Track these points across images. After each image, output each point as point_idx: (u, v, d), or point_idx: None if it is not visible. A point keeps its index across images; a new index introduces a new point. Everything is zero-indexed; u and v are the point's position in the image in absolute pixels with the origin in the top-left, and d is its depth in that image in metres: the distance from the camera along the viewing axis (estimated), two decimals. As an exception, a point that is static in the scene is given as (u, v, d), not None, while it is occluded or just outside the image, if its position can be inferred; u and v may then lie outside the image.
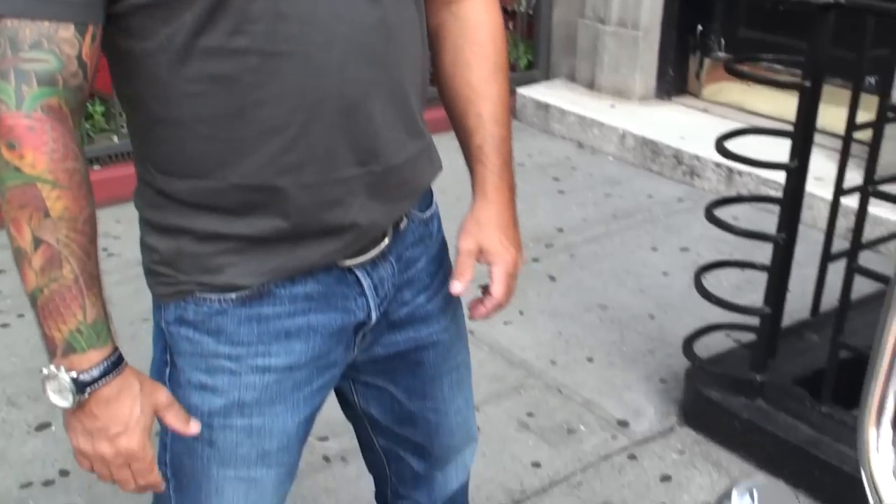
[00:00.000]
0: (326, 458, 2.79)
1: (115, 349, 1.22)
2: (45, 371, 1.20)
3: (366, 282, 1.37)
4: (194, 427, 1.31)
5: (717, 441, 2.83)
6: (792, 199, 2.56)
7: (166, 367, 1.36)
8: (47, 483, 2.66)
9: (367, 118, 1.25)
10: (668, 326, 3.38)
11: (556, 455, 2.79)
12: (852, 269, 2.51)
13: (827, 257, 2.86)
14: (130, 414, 1.22)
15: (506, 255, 1.49)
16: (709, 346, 3.02)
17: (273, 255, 1.28)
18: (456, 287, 1.44)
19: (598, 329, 3.41)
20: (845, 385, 2.67)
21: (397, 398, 1.57)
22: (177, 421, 1.29)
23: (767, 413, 2.75)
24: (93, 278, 1.19)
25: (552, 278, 3.74)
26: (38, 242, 1.13)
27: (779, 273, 2.61)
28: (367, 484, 2.65)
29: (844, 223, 4.01)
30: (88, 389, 1.18)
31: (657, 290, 3.63)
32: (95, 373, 1.18)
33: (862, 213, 2.50)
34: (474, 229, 1.48)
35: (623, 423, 2.93)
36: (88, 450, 1.24)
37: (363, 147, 1.27)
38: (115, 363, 1.21)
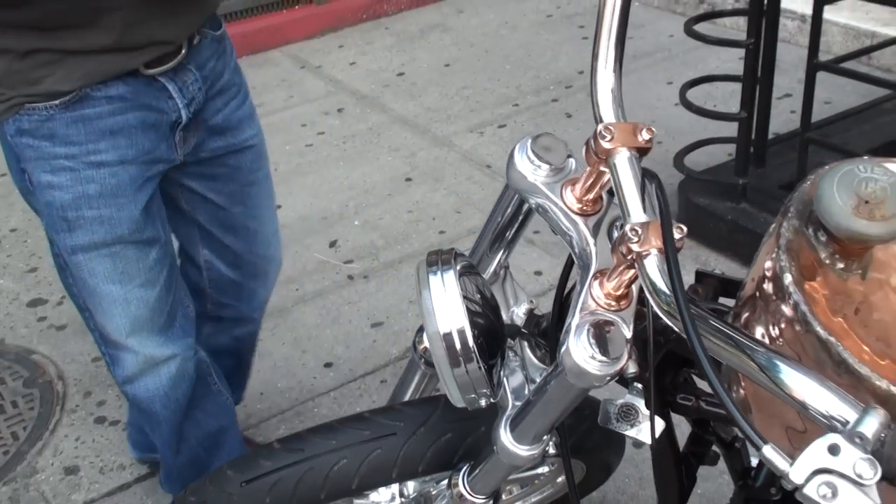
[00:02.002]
0: (350, 277, 3.11)
1: None
2: None
3: (170, 86, 1.62)
4: None
5: (707, 244, 3.06)
6: (759, 7, 2.71)
7: (24, 175, 1.63)
8: None
9: None
10: (675, 150, 3.56)
11: (556, 264, 3.05)
12: (814, 66, 2.67)
13: (811, 67, 3.00)
14: None
15: None
16: (707, 163, 3.22)
17: (85, 64, 1.51)
18: None
19: (608, 157, 3.61)
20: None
21: (221, 205, 1.86)
22: None
23: (750, 214, 2.96)
24: None
25: (568, 115, 3.95)
26: None
27: (751, 78, 2.78)
28: (384, 296, 2.98)
29: (843, 41, 4.12)
30: None
31: (668, 119, 3.80)
32: None
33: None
34: None
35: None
36: None
37: None
38: None
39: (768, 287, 0.94)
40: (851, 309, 0.93)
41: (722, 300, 1.16)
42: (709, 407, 1.21)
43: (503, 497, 1.98)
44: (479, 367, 1.11)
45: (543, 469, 1.97)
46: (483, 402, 1.16)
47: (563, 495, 1.92)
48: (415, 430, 1.50)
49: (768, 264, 0.94)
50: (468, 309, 1.12)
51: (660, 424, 1.20)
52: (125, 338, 1.78)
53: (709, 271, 1.16)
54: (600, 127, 0.99)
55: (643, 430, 1.19)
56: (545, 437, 1.21)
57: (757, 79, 2.81)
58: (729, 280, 1.14)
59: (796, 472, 0.74)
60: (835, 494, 0.73)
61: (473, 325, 1.13)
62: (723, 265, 2.97)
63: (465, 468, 1.38)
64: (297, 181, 3.69)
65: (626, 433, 1.20)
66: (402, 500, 1.83)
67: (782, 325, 0.92)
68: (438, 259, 1.14)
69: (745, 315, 1.00)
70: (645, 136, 1.00)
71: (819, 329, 0.86)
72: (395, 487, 1.81)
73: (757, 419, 1.04)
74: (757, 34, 2.71)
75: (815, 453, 0.74)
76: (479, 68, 4.45)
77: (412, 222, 3.35)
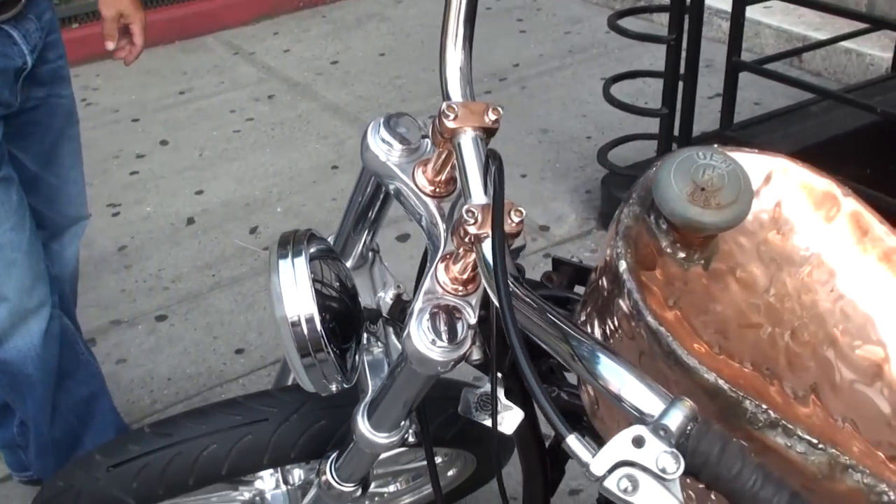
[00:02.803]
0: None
1: None
2: None
3: (15, 33, 1.67)
4: None
5: (627, 240, 3.04)
6: (681, 3, 2.70)
7: None
8: None
9: None
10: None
11: (476, 256, 3.03)
12: (734, 66, 2.67)
13: (731, 66, 3.00)
14: None
15: (140, 13, 1.94)
16: (635, 159, 3.21)
17: None
18: (109, 45, 1.93)
19: (536, 150, 3.61)
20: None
21: (26, 165, 1.86)
22: None
23: (670, 210, 2.95)
24: None
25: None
26: None
27: (672, 75, 2.78)
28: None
29: (775, 43, 4.14)
30: None
31: (599, 115, 3.79)
32: None
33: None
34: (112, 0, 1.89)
35: (544, 228, 3.15)
36: None
37: None
38: None
39: (607, 276, 0.92)
40: (690, 300, 0.92)
41: (579, 289, 1.14)
42: (570, 398, 1.19)
43: (394, 488, 1.95)
44: (328, 354, 1.08)
45: (437, 459, 1.95)
46: (335, 388, 1.13)
47: (461, 484, 1.90)
48: (287, 416, 1.46)
49: (608, 252, 0.92)
50: (320, 293, 1.09)
51: (518, 415, 1.17)
52: None
53: (565, 259, 1.13)
54: (444, 105, 0.96)
55: (503, 419, 1.17)
56: (403, 424, 1.18)
57: (679, 75, 2.81)
58: (584, 268, 1.12)
59: (598, 463, 0.72)
60: (636, 488, 0.71)
61: (326, 309, 1.10)
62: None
63: (332, 455, 1.35)
64: (222, 167, 3.64)
65: (485, 423, 1.17)
66: (288, 487, 1.80)
67: (619, 316, 0.90)
68: (290, 242, 1.11)
69: (589, 306, 0.98)
70: (491, 116, 0.98)
71: (649, 319, 0.85)
72: (279, 474, 1.78)
73: (605, 416, 1.02)
74: (679, 30, 2.71)
75: (619, 445, 0.72)
76: (415, 58, 4.41)
77: (335, 210, 3.31)
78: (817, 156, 2.99)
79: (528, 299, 0.84)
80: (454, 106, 0.96)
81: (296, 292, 1.07)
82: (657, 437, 0.72)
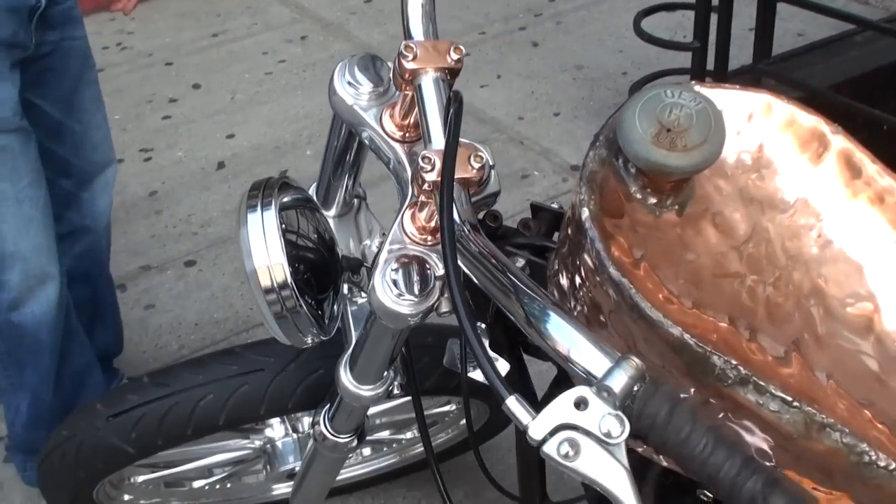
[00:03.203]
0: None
1: None
2: None
3: None
4: None
5: (661, 178, 2.96)
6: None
7: None
8: None
9: None
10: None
11: (505, 197, 2.97)
12: None
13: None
14: None
15: None
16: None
17: None
18: None
19: (571, 87, 3.52)
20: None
21: (46, 111, 1.81)
22: None
23: (704, 148, 2.86)
24: None
25: (535, 44, 3.84)
26: None
27: (703, 6, 2.67)
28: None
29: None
30: None
31: (636, 50, 3.67)
32: None
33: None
34: None
35: (576, 168, 3.08)
36: None
37: None
38: None
39: (572, 225, 0.87)
40: (660, 249, 0.86)
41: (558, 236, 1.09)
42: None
43: (411, 435, 1.93)
44: (300, 306, 1.05)
45: (451, 407, 1.93)
46: (311, 341, 1.10)
47: (479, 430, 1.87)
48: (284, 366, 1.45)
49: (573, 199, 0.87)
50: (292, 244, 1.06)
51: (503, 366, 1.14)
52: (17, 244, 1.73)
53: (545, 204, 1.08)
54: (402, 45, 0.91)
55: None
56: (386, 375, 1.15)
57: (712, 7, 2.70)
58: (563, 214, 1.07)
59: (536, 427, 0.67)
60: (577, 453, 0.66)
61: (298, 260, 1.06)
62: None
63: (326, 407, 1.32)
64: (253, 110, 3.60)
65: (471, 375, 1.14)
66: (297, 435, 1.79)
67: (585, 268, 0.85)
68: (260, 193, 1.07)
69: (559, 256, 0.93)
70: (454, 55, 0.93)
71: (612, 270, 0.80)
72: (287, 423, 1.78)
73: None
74: (710, -41, 2.60)
75: (560, 408, 0.68)
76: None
77: (364, 153, 3.27)
78: (858, 88, 2.88)
79: (483, 252, 0.79)
80: (412, 45, 0.91)
81: (263, 244, 1.03)
82: (601, 398, 0.67)
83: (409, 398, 1.60)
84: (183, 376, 1.45)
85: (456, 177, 0.85)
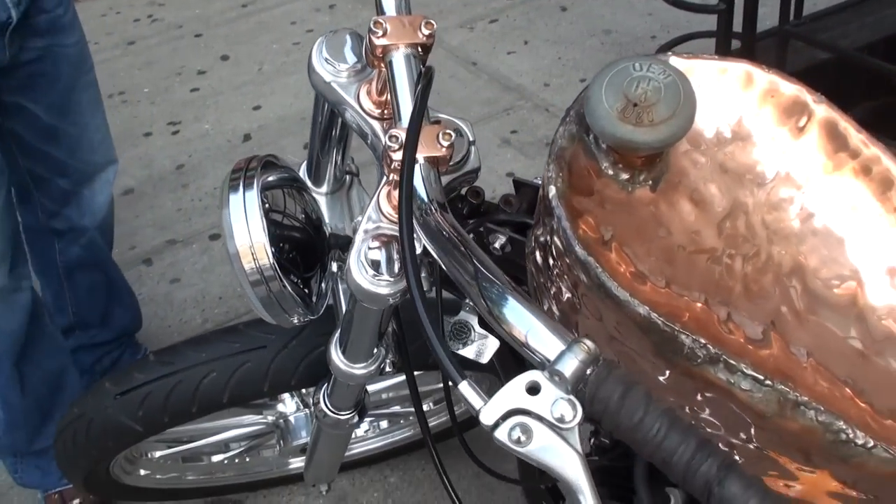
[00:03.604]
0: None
1: None
2: None
3: None
4: None
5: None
6: None
7: None
8: None
9: None
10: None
11: (530, 165, 2.95)
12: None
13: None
14: None
15: None
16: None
17: None
18: None
19: (598, 52, 3.47)
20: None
21: (39, 115, 1.77)
22: None
23: (731, 112, 2.80)
24: None
25: (563, 9, 3.78)
26: None
27: (729, -33, 2.61)
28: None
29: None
30: None
31: (666, 12, 3.59)
32: None
33: None
34: None
35: (602, 135, 3.04)
36: None
37: None
38: None
39: (543, 203, 0.85)
40: (632, 226, 0.84)
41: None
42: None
43: (425, 407, 1.93)
44: (283, 286, 1.04)
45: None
46: (297, 320, 1.10)
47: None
48: (286, 343, 1.45)
49: (543, 177, 0.85)
50: (276, 223, 1.06)
51: (493, 343, 1.13)
52: None
53: (527, 180, 1.06)
54: (372, 21, 0.89)
55: (477, 349, 1.12)
56: (376, 353, 1.15)
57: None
58: (546, 190, 1.05)
59: (488, 412, 0.67)
60: (529, 438, 0.65)
61: (283, 239, 1.06)
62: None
63: (325, 384, 1.32)
64: (280, 81, 3.60)
65: (460, 352, 1.13)
66: (309, 410, 1.79)
67: (556, 248, 0.83)
68: (242, 173, 1.07)
69: (534, 236, 0.91)
70: (425, 30, 0.91)
71: (577, 248, 0.78)
72: (298, 398, 1.78)
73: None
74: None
75: (512, 392, 0.67)
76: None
77: (390, 122, 3.25)
78: (892, 49, 2.79)
79: (446, 233, 0.78)
80: (381, 21, 0.90)
81: (245, 225, 1.03)
82: (553, 383, 0.66)
83: (420, 372, 1.61)
84: (187, 354, 1.46)
85: (425, 155, 0.83)
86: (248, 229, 1.02)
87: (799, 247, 0.86)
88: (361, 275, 0.88)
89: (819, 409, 0.76)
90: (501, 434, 0.66)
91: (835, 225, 0.86)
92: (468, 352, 1.13)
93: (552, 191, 0.81)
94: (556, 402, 0.66)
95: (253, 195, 1.04)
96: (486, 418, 0.66)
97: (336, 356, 1.14)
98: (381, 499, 2.05)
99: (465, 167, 0.98)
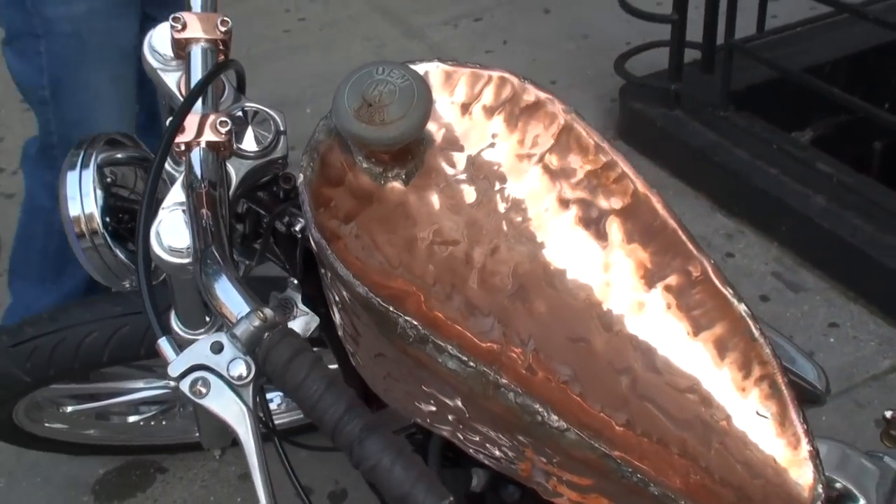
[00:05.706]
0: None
1: None
2: None
3: None
4: None
5: (641, 151, 2.99)
6: None
7: None
8: None
9: None
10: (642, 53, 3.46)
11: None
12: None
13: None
14: None
15: None
16: (659, 68, 3.12)
17: None
18: None
19: (573, 56, 3.54)
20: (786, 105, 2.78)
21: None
22: None
23: (682, 122, 2.88)
24: None
25: (546, 11, 3.86)
26: None
27: (682, -20, 2.68)
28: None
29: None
30: None
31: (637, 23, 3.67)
32: None
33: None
34: None
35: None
36: None
37: None
38: None
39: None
40: (377, 216, 0.93)
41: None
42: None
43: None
44: (112, 252, 1.14)
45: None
46: (128, 285, 1.20)
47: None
48: (165, 309, 1.54)
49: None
50: (118, 196, 1.16)
51: (313, 320, 1.21)
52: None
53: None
54: (171, 17, 0.99)
55: (300, 323, 1.21)
56: (209, 321, 1.24)
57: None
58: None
59: (175, 366, 0.76)
60: (207, 391, 0.75)
61: (122, 210, 1.16)
62: (653, 172, 2.91)
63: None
64: (265, 66, 3.70)
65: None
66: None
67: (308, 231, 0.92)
68: (82, 149, 1.17)
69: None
70: (221, 28, 1.00)
71: (312, 231, 0.87)
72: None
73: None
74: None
75: (199, 350, 0.76)
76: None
77: (361, 112, 3.35)
78: (855, 68, 2.83)
79: (200, 210, 0.88)
80: (180, 17, 0.99)
81: (78, 195, 1.13)
82: (232, 343, 0.76)
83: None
84: (73, 314, 1.56)
85: (205, 140, 0.93)
86: (80, 199, 1.13)
87: (539, 242, 0.94)
88: (155, 247, 0.97)
89: (518, 391, 0.84)
90: (184, 385, 0.76)
91: (569, 224, 0.95)
92: (295, 325, 1.22)
93: (300, 178, 0.90)
94: (233, 361, 0.76)
95: (89, 172, 1.14)
96: (173, 371, 0.76)
97: (176, 326, 1.24)
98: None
99: (272, 154, 1.07)
